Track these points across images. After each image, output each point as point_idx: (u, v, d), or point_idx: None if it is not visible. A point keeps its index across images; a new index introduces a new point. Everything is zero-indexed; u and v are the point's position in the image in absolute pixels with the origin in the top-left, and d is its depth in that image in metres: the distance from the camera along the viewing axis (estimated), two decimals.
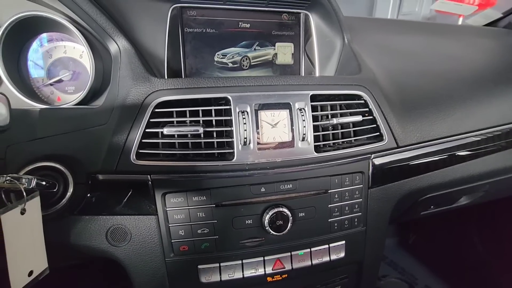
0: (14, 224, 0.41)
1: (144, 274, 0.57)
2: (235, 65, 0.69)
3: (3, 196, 0.44)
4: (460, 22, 1.78)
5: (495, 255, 1.17)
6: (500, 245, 1.16)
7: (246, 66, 0.70)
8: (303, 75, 0.74)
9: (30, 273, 0.44)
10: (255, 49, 0.70)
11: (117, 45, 0.56)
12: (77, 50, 0.64)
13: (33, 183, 0.43)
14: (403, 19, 4.32)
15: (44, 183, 0.45)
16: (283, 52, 0.72)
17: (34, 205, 0.44)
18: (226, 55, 0.69)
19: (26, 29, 0.59)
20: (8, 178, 0.41)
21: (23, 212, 0.42)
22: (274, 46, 0.71)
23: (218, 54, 0.68)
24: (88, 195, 0.52)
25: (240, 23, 0.68)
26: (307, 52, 0.73)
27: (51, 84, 0.64)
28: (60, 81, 0.64)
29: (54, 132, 0.50)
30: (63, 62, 0.64)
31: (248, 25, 0.68)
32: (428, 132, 0.66)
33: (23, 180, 0.42)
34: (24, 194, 0.42)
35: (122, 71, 0.54)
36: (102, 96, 0.64)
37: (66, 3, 0.52)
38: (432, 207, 0.84)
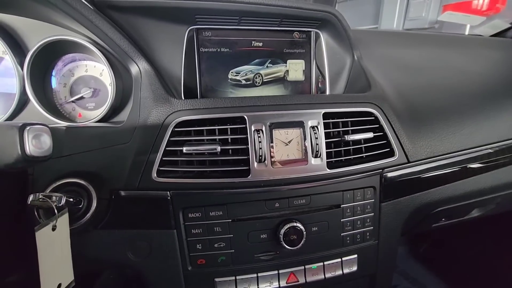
0: (46, 240, 0.43)
1: (163, 286, 0.59)
2: (248, 82, 0.72)
3: (35, 213, 0.47)
4: (467, 29, 1.79)
5: (507, 265, 1.15)
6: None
7: (259, 83, 0.73)
8: (313, 91, 0.76)
9: (59, 286, 0.46)
10: (267, 66, 0.72)
11: (138, 67, 0.58)
12: (98, 69, 0.67)
13: (63, 201, 0.45)
14: (409, 24, 4.33)
15: (71, 199, 0.48)
16: (295, 69, 0.74)
17: (63, 222, 0.46)
18: (239, 73, 0.71)
19: (52, 51, 0.62)
20: (40, 196, 0.44)
21: (54, 228, 0.45)
22: (286, 63, 0.73)
23: (232, 72, 0.71)
24: (111, 210, 0.54)
25: (253, 42, 0.71)
26: (318, 68, 0.75)
27: (73, 101, 0.67)
28: (81, 98, 0.67)
29: (80, 150, 0.53)
30: (85, 80, 0.67)
31: (260, 44, 0.71)
32: (438, 147, 0.67)
33: (54, 198, 0.45)
34: (56, 211, 0.44)
35: (143, 92, 0.57)
36: (121, 112, 0.67)
37: (91, 29, 0.55)
38: (443, 219, 0.84)
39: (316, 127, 0.57)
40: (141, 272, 0.58)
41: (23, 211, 0.48)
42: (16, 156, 0.31)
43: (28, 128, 0.32)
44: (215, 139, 0.55)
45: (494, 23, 1.23)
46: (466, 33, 1.65)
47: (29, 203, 0.44)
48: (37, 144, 0.32)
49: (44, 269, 0.43)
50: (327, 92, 0.75)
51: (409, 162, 0.64)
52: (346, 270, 0.64)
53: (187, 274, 0.58)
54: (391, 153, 0.63)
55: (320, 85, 0.76)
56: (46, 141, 0.34)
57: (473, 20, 1.42)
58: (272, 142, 0.56)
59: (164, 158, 0.53)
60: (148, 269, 0.58)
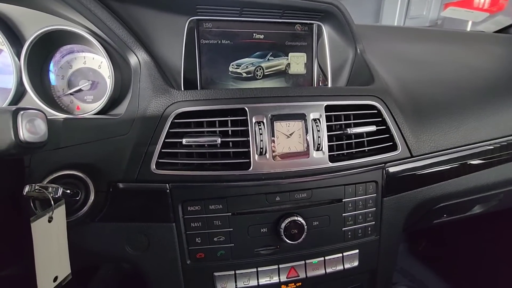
0: (42, 231, 0.42)
1: (161, 280, 0.58)
2: (249, 75, 0.71)
3: (31, 204, 0.46)
4: (469, 26, 1.77)
5: (506, 262, 1.15)
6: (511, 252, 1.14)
7: (260, 76, 0.72)
8: (315, 84, 0.75)
9: (55, 279, 0.45)
10: (268, 59, 0.71)
11: (137, 57, 0.57)
12: (96, 61, 0.66)
13: (60, 192, 0.44)
14: (410, 22, 4.32)
15: (69, 191, 0.47)
16: (296, 62, 0.73)
17: (60, 213, 0.45)
18: (240, 65, 0.70)
19: (50, 42, 0.61)
20: (36, 187, 0.43)
21: (50, 220, 0.44)
22: (287, 56, 0.72)
23: (232, 65, 0.70)
24: (109, 203, 0.53)
25: (254, 34, 0.69)
26: (320, 61, 0.74)
27: (71, 94, 0.66)
28: (79, 90, 0.66)
29: (77, 141, 0.52)
30: (83, 72, 0.66)
31: (262, 36, 0.70)
32: (441, 142, 0.66)
33: (50, 189, 0.44)
34: (52, 202, 0.43)
35: (142, 83, 0.56)
36: (120, 105, 0.66)
37: (90, 19, 0.54)
38: (445, 215, 0.83)
39: (318, 119, 0.56)
40: (139, 266, 0.57)
41: (18, 202, 0.47)
42: (9, 142, 0.30)
43: (22, 112, 0.31)
44: (215, 131, 0.54)
45: (498, 19, 1.22)
46: (468, 30, 1.64)
47: (24, 194, 0.43)
48: (31, 128, 0.31)
49: (40, 261, 0.42)
50: (329, 85, 0.74)
51: (412, 156, 0.63)
52: (347, 265, 0.63)
53: (185, 268, 0.57)
54: (394, 147, 0.62)
55: (321, 80, 0.75)
56: (41, 126, 0.33)
57: (476, 16, 1.40)
58: (273, 135, 0.55)
59: (163, 150, 0.52)
60: (146, 263, 0.57)
